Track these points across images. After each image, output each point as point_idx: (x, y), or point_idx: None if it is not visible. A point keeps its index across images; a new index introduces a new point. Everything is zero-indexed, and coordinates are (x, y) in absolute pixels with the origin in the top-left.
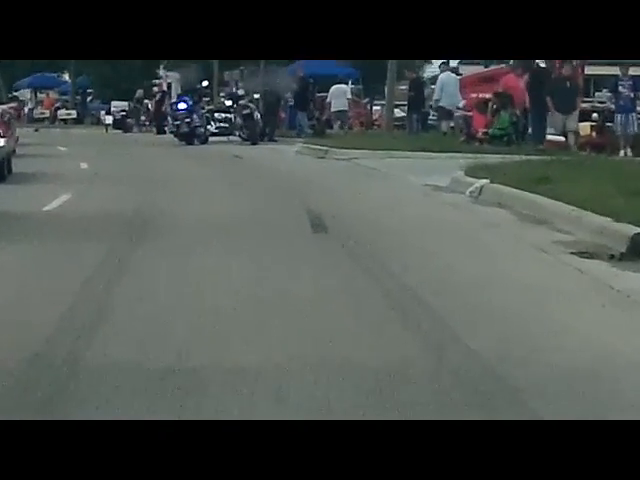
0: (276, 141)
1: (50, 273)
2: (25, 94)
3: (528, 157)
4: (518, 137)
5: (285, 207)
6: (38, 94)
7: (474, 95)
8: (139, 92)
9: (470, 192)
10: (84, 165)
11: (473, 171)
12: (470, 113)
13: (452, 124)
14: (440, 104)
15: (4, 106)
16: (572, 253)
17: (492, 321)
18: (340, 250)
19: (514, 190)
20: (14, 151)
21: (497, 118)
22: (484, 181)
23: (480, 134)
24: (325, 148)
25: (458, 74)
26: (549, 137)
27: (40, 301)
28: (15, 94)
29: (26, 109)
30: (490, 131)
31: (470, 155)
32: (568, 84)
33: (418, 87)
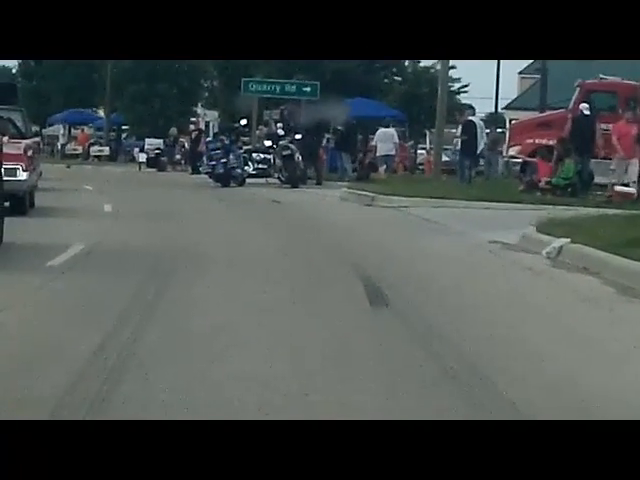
0: (319, 184)
1: None
2: (59, 129)
3: (599, 210)
4: (583, 187)
5: (334, 269)
6: (72, 130)
7: (530, 141)
8: (173, 130)
9: (547, 253)
10: (108, 207)
11: (546, 227)
12: (533, 160)
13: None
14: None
15: (28, 141)
16: None
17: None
18: (408, 333)
19: (602, 253)
20: (36, 186)
21: (561, 166)
22: (563, 240)
23: (543, 183)
24: (372, 194)
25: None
26: (617, 188)
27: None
28: (47, 129)
29: (59, 145)
30: (554, 180)
31: (532, 206)
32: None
33: (470, 130)
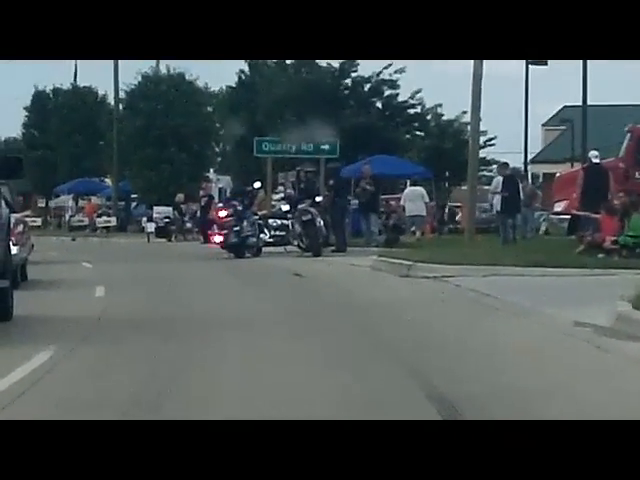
0: (343, 252)
1: None
2: (66, 200)
3: None
4: None
5: (384, 374)
6: (80, 200)
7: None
8: (179, 196)
9: None
10: (100, 292)
11: None
12: (595, 215)
13: None
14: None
15: (18, 215)
16: None
17: None
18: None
19: None
20: (27, 259)
21: (628, 222)
22: None
23: (608, 242)
24: (408, 262)
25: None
26: None
27: None
28: (54, 200)
29: (67, 216)
30: (620, 239)
31: (599, 271)
32: None
33: (513, 186)
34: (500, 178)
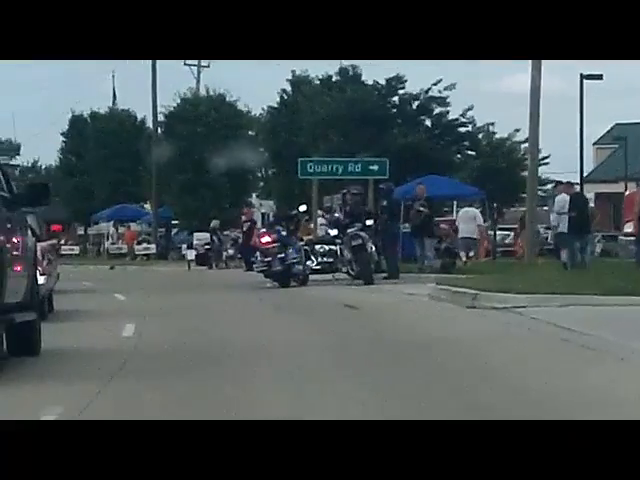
0: (395, 278)
1: None
2: (105, 228)
3: None
4: None
5: None
6: (119, 227)
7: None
8: (214, 223)
9: None
10: (129, 329)
11: None
12: None
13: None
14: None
15: (44, 243)
16: None
17: None
18: None
19: None
20: (54, 289)
21: None
22: None
23: None
24: (472, 291)
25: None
26: None
27: None
28: (92, 227)
29: (106, 244)
30: None
31: None
32: None
33: (581, 205)
34: (566, 197)
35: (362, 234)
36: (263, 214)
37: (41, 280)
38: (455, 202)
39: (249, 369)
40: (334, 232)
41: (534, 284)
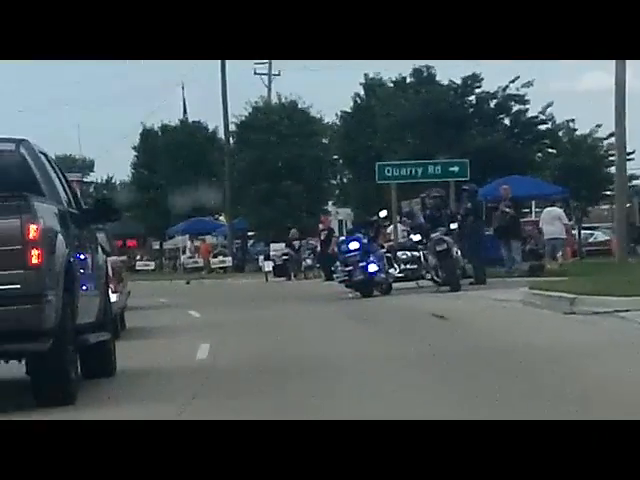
0: (482, 284)
1: None
2: (180, 242)
3: None
4: None
5: None
6: (195, 240)
7: None
8: (292, 232)
9: None
10: (203, 351)
11: None
12: None
13: None
14: None
15: (114, 259)
16: None
17: None
18: None
19: None
20: (126, 306)
21: None
22: None
23: None
24: (569, 295)
25: None
26: None
27: None
28: (168, 241)
29: (181, 258)
30: None
31: None
32: None
33: None
34: None
35: (447, 238)
36: (340, 221)
37: (113, 298)
38: (533, 202)
39: (339, 385)
40: (417, 237)
41: (634, 286)
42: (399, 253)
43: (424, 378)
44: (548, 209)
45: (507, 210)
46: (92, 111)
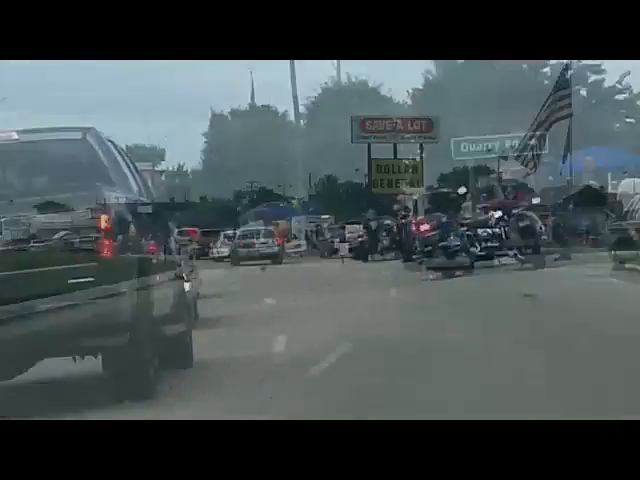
0: (568, 259)
1: None
2: (255, 227)
3: None
4: None
5: None
6: (269, 226)
7: None
8: (370, 212)
9: None
10: (280, 343)
11: None
12: None
13: None
14: None
15: (185, 248)
16: None
17: None
18: None
19: None
20: (198, 294)
21: None
22: None
23: None
24: None
25: None
26: None
27: None
28: (242, 227)
29: (257, 243)
30: None
31: None
32: None
33: None
34: None
35: (530, 214)
36: (415, 200)
37: (186, 287)
38: (609, 174)
39: (434, 373)
40: (498, 214)
41: None
42: (479, 230)
43: (539, 368)
44: (627, 180)
45: (590, 183)
46: (157, 99)
